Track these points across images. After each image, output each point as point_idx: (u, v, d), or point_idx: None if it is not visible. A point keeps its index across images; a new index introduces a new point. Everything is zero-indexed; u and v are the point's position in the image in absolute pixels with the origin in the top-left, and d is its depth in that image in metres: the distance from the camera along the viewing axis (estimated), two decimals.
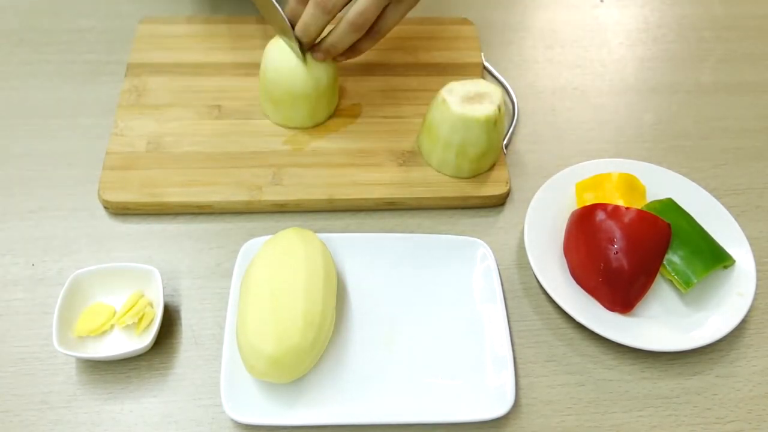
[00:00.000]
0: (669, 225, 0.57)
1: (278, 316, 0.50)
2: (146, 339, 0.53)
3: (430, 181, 0.64)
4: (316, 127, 0.68)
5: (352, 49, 0.63)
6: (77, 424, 0.51)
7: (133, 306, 0.54)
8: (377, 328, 0.56)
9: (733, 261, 0.58)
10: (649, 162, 0.65)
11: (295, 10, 0.61)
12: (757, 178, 0.68)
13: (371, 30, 0.62)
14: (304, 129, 0.68)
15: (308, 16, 0.59)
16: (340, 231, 0.62)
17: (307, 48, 0.63)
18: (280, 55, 0.63)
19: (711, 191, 0.64)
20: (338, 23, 0.61)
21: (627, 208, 0.57)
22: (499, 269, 0.59)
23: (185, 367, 0.54)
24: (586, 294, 0.57)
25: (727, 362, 0.56)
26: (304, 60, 0.63)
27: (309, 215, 0.63)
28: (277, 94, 0.65)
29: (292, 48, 0.63)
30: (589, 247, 0.57)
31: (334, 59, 0.65)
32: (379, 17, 0.61)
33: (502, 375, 0.53)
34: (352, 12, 0.59)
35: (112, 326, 0.55)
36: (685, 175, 0.65)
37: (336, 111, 0.70)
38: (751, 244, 0.60)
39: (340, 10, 0.60)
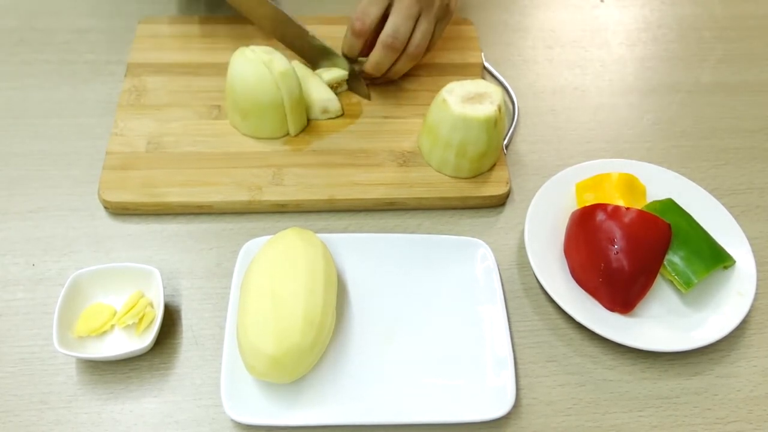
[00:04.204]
0: (669, 225, 0.57)
1: (278, 317, 0.50)
2: (146, 339, 0.53)
3: (430, 181, 0.64)
4: (316, 127, 0.68)
5: (392, 70, 0.68)
6: (77, 425, 0.51)
7: (134, 306, 0.54)
8: (377, 328, 0.56)
9: (733, 261, 0.58)
10: (649, 162, 0.65)
11: (354, 46, 0.66)
12: (757, 178, 0.68)
13: (405, 49, 0.66)
14: (303, 129, 0.68)
15: (379, 57, 0.65)
16: (340, 231, 0.62)
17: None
18: (245, 66, 0.62)
19: (711, 191, 0.64)
20: (376, 45, 0.65)
21: (627, 208, 0.57)
22: (499, 269, 0.59)
23: (185, 367, 0.54)
24: (586, 294, 0.57)
25: (727, 362, 0.56)
26: (369, 96, 0.70)
27: (309, 215, 0.63)
28: (245, 104, 0.64)
29: (348, 70, 0.69)
30: (590, 248, 0.57)
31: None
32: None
33: (502, 375, 0.53)
34: (384, 33, 0.64)
35: (113, 326, 0.55)
36: (685, 175, 0.65)
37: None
38: (751, 244, 0.60)
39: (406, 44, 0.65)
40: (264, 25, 0.71)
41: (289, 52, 0.71)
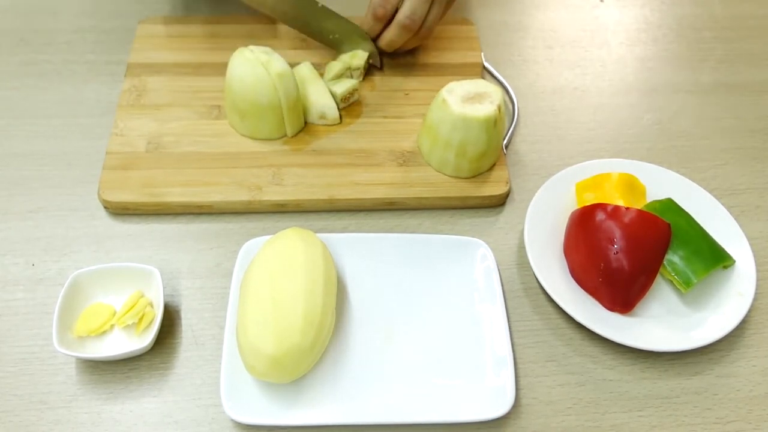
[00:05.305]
0: (669, 225, 0.57)
1: (278, 317, 0.50)
2: (146, 339, 0.53)
3: (430, 181, 0.64)
4: (316, 127, 0.68)
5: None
6: (77, 424, 0.51)
7: (133, 306, 0.54)
8: (377, 328, 0.56)
9: (733, 261, 0.58)
10: (649, 162, 0.65)
11: (373, 29, 0.70)
12: (757, 178, 0.68)
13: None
14: (300, 130, 0.68)
15: (395, 36, 0.68)
16: (340, 231, 0.62)
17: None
18: (243, 66, 0.63)
19: (711, 191, 0.64)
20: (391, 24, 0.68)
21: (627, 208, 0.57)
22: (499, 269, 0.59)
23: (185, 367, 0.54)
24: (586, 294, 0.57)
25: (727, 362, 0.56)
26: (381, 64, 0.73)
27: (309, 215, 0.63)
28: (243, 105, 0.64)
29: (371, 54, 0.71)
30: (589, 247, 0.57)
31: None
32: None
33: (502, 375, 0.53)
34: (402, 14, 0.67)
35: (112, 326, 0.55)
36: (685, 175, 0.65)
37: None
38: (751, 244, 0.60)
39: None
40: (278, 15, 0.71)
41: (308, 49, 0.74)
